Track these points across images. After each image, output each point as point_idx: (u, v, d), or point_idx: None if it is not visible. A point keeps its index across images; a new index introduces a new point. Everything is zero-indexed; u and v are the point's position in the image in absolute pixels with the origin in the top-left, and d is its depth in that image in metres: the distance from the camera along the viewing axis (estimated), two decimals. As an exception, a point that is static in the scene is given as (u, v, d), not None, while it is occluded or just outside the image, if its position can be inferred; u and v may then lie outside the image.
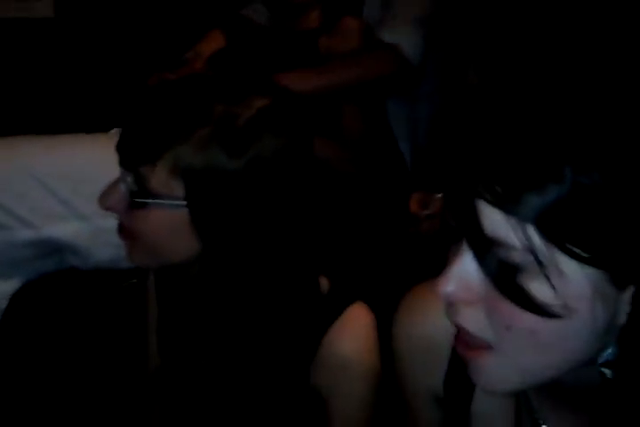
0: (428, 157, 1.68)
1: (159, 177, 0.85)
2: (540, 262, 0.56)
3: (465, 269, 0.61)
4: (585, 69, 0.59)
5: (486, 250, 0.59)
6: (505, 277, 0.59)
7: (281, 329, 0.95)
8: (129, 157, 0.87)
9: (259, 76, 1.37)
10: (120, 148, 0.89)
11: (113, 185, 0.89)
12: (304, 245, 0.93)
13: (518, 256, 0.57)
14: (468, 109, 0.61)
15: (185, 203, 0.85)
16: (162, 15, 2.52)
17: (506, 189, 0.56)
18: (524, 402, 0.75)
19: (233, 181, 0.84)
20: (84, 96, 2.40)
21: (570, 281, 0.57)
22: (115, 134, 1.21)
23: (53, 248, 1.17)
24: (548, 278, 0.57)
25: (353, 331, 0.95)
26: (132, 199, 0.87)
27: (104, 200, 0.90)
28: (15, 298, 1.12)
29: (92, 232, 1.15)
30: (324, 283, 0.98)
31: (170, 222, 0.87)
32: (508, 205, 0.56)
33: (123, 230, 0.92)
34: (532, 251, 0.56)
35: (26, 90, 2.43)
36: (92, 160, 1.16)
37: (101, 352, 0.99)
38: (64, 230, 1.14)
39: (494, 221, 0.58)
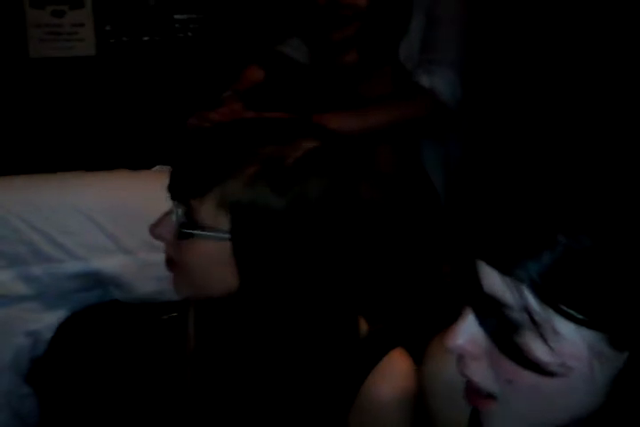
0: (460, 194, 1.69)
1: (207, 210, 0.88)
2: (535, 322, 0.58)
3: (471, 325, 0.63)
4: (572, 148, 0.62)
5: (485, 308, 0.61)
6: (503, 335, 0.61)
7: (319, 373, 0.95)
8: (180, 190, 0.91)
9: (306, 118, 1.41)
10: (172, 180, 0.92)
11: (165, 215, 0.93)
12: (342, 287, 0.94)
13: (515, 315, 0.60)
14: (474, 182, 0.65)
15: (229, 236, 0.88)
16: (200, 53, 2.59)
17: (502, 253, 0.59)
18: None
19: (276, 218, 0.86)
20: (126, 133, 2.46)
21: (566, 341, 0.58)
22: (158, 171, 1.26)
23: (98, 281, 1.20)
24: (543, 338, 0.58)
25: (390, 378, 0.94)
26: (180, 230, 0.90)
27: (155, 229, 0.93)
28: (61, 329, 1.15)
29: (136, 266, 1.18)
30: (364, 327, 0.99)
31: (214, 254, 0.89)
32: (504, 267, 0.59)
33: (170, 261, 0.95)
34: (527, 311, 0.58)
35: (68, 126, 2.51)
36: (136, 196, 1.20)
37: (142, 381, 1.02)
38: (110, 264, 1.17)
39: (492, 280, 0.60)
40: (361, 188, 0.94)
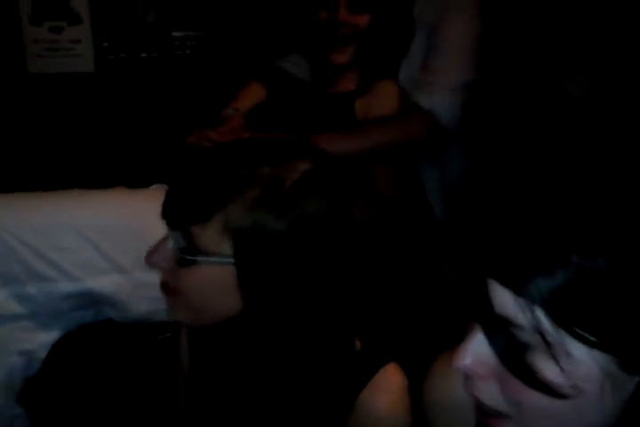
0: (458, 218, 1.69)
1: (209, 235, 0.87)
2: (547, 343, 0.58)
3: (480, 345, 0.63)
4: (587, 170, 0.62)
5: (495, 328, 0.61)
6: (513, 356, 0.60)
7: (314, 388, 0.95)
8: (179, 217, 0.90)
9: (300, 139, 1.42)
10: (170, 207, 0.91)
11: (160, 243, 0.92)
12: (341, 304, 0.94)
13: (526, 336, 0.59)
14: (485, 196, 0.65)
15: (233, 260, 0.87)
16: (199, 70, 2.60)
17: (516, 271, 0.58)
18: None
19: (279, 240, 0.87)
20: (124, 149, 2.46)
21: (578, 363, 0.58)
22: (155, 189, 1.26)
23: (93, 300, 1.19)
24: (555, 359, 0.58)
25: (386, 392, 0.95)
26: (181, 256, 0.89)
27: (151, 257, 0.92)
28: (54, 348, 1.14)
29: (131, 286, 1.18)
30: (357, 343, 0.99)
31: (217, 280, 0.89)
32: (517, 287, 0.58)
33: (166, 287, 0.94)
34: (539, 332, 0.58)
35: (66, 142, 2.50)
36: (133, 214, 1.19)
37: (135, 402, 1.01)
38: (105, 283, 1.16)
39: (504, 300, 0.60)
40: (357, 208, 0.95)
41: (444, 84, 1.69)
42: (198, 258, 0.88)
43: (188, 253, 0.88)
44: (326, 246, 0.89)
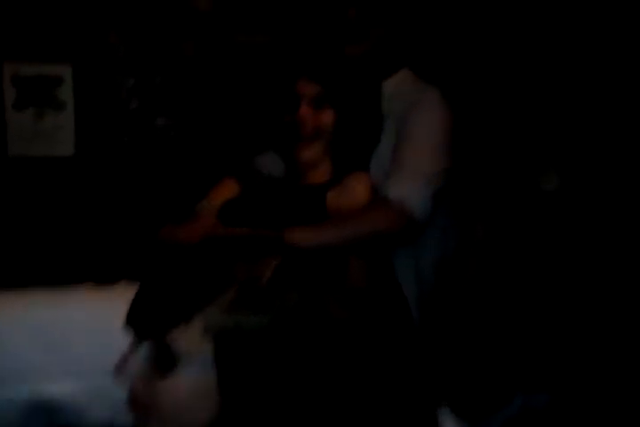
0: (433, 316, 1.66)
1: (190, 339, 0.85)
2: None
3: None
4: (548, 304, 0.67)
5: None
6: None
7: None
8: (156, 323, 0.86)
9: (272, 233, 1.41)
10: (143, 313, 0.88)
11: (129, 351, 0.87)
12: (319, 407, 0.91)
13: None
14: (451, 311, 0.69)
15: (214, 362, 0.84)
16: (178, 159, 2.62)
17: (465, 405, 0.63)
18: None
19: (260, 337, 0.85)
20: (93, 243, 2.43)
21: None
22: (122, 288, 1.22)
23: (46, 407, 1.14)
24: None
25: None
26: (159, 365, 0.85)
27: (121, 368, 0.87)
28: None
29: (88, 391, 1.13)
30: None
31: (196, 385, 0.85)
32: (463, 416, 0.62)
33: (137, 403, 0.88)
34: None
35: (42, 226, 2.48)
36: (93, 315, 1.16)
37: None
38: (60, 388, 1.12)
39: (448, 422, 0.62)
40: (332, 304, 0.91)
41: (415, 175, 1.69)
42: (179, 364, 0.84)
43: (166, 360, 0.84)
44: (307, 338, 0.87)
